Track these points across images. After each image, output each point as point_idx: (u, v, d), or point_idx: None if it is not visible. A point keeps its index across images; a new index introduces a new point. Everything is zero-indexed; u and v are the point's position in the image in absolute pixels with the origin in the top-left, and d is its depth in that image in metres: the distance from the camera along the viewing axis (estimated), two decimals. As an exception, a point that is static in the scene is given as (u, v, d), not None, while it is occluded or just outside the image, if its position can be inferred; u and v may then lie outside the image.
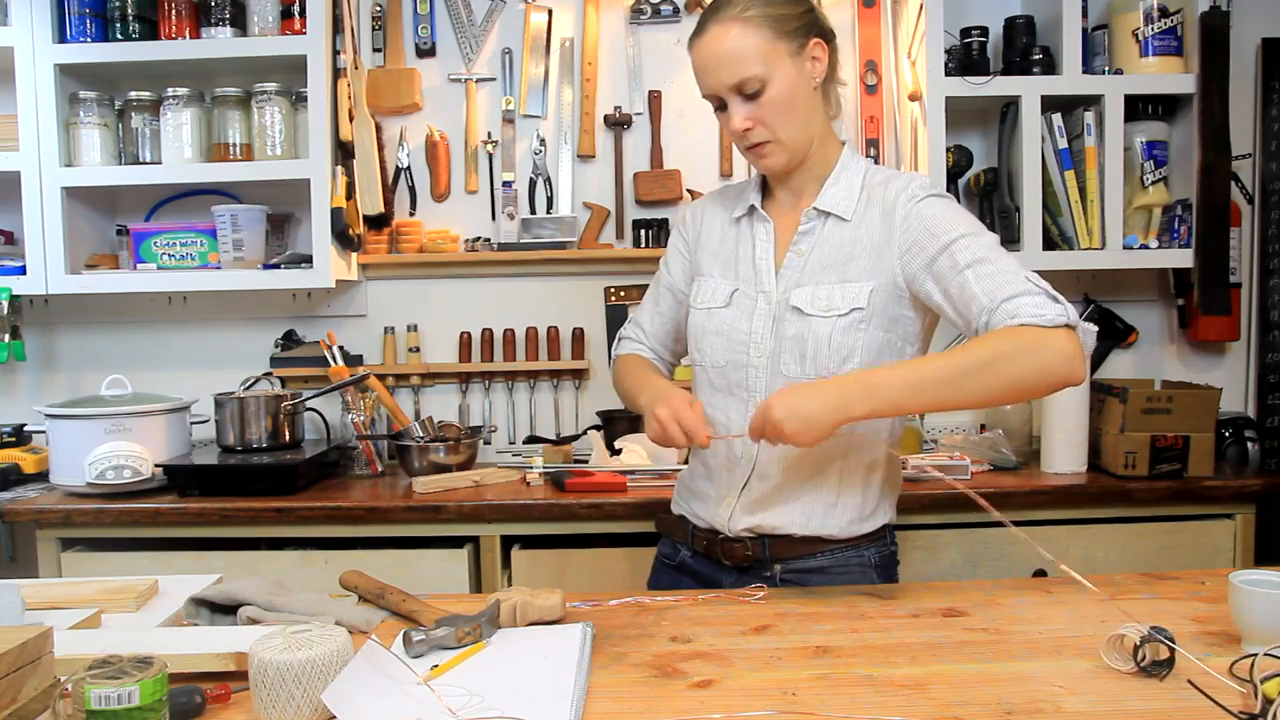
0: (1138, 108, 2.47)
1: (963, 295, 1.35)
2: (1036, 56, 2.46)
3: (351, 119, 2.53)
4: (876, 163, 2.61)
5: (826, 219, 1.49)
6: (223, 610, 1.35)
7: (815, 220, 1.50)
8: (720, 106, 1.46)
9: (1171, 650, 1.10)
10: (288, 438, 2.46)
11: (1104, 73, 2.47)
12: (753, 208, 1.55)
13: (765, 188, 1.59)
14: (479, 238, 2.68)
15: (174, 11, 2.48)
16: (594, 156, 2.71)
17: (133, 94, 2.54)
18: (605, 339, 2.70)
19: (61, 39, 2.47)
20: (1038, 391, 1.31)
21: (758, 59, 1.40)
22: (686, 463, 1.68)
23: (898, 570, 1.60)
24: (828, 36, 1.48)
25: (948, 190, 2.47)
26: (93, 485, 2.25)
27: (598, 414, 2.64)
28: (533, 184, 2.69)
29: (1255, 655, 1.07)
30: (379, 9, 2.67)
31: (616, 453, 2.44)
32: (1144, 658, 1.11)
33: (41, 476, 2.45)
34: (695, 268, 1.62)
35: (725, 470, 1.53)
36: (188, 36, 2.49)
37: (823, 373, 1.44)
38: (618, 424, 2.54)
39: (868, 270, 1.44)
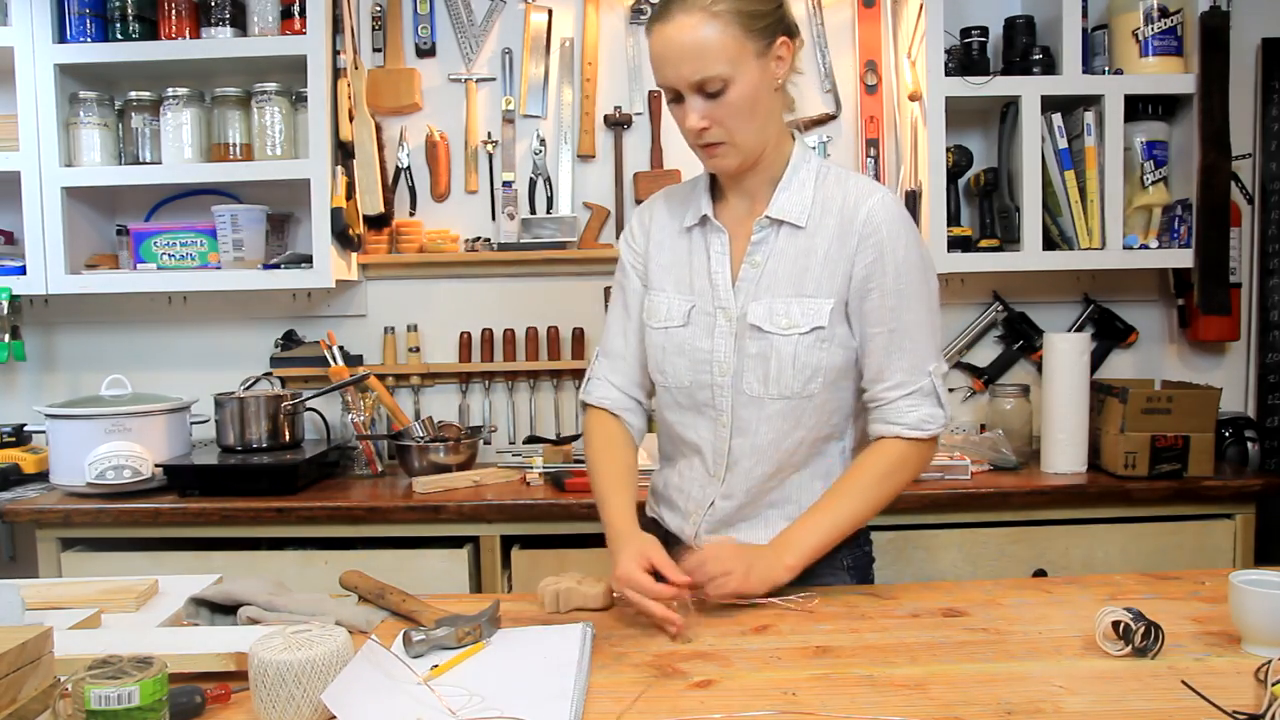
0: (1138, 108, 2.47)
1: (873, 356, 1.43)
2: (1036, 56, 2.45)
3: (351, 119, 2.52)
4: (877, 162, 2.62)
5: (780, 227, 1.43)
6: (223, 610, 1.35)
7: (768, 229, 1.43)
8: (676, 98, 1.38)
9: (1151, 628, 1.14)
10: (288, 438, 2.46)
11: (1104, 73, 2.47)
12: (705, 217, 1.48)
13: (716, 189, 1.50)
14: (479, 238, 2.67)
15: (174, 11, 2.48)
16: (594, 156, 2.71)
17: (133, 94, 2.54)
18: (605, 339, 2.70)
19: (61, 39, 2.47)
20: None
21: (723, 58, 1.32)
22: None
23: (873, 571, 1.59)
24: (794, 34, 1.40)
25: (948, 189, 2.47)
26: (93, 485, 2.25)
27: (598, 414, 2.64)
28: (533, 184, 2.69)
29: (1272, 660, 1.07)
30: (379, 9, 2.67)
31: (616, 453, 2.43)
32: (1133, 639, 1.14)
33: (41, 476, 2.45)
34: (646, 279, 1.53)
35: (697, 485, 1.52)
36: (188, 36, 2.49)
37: (785, 392, 1.41)
38: (618, 424, 2.54)
39: (825, 284, 1.41)
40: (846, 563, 1.52)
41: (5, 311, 2.49)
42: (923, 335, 1.42)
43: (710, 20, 1.31)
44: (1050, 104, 2.45)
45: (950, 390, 2.70)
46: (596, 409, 1.59)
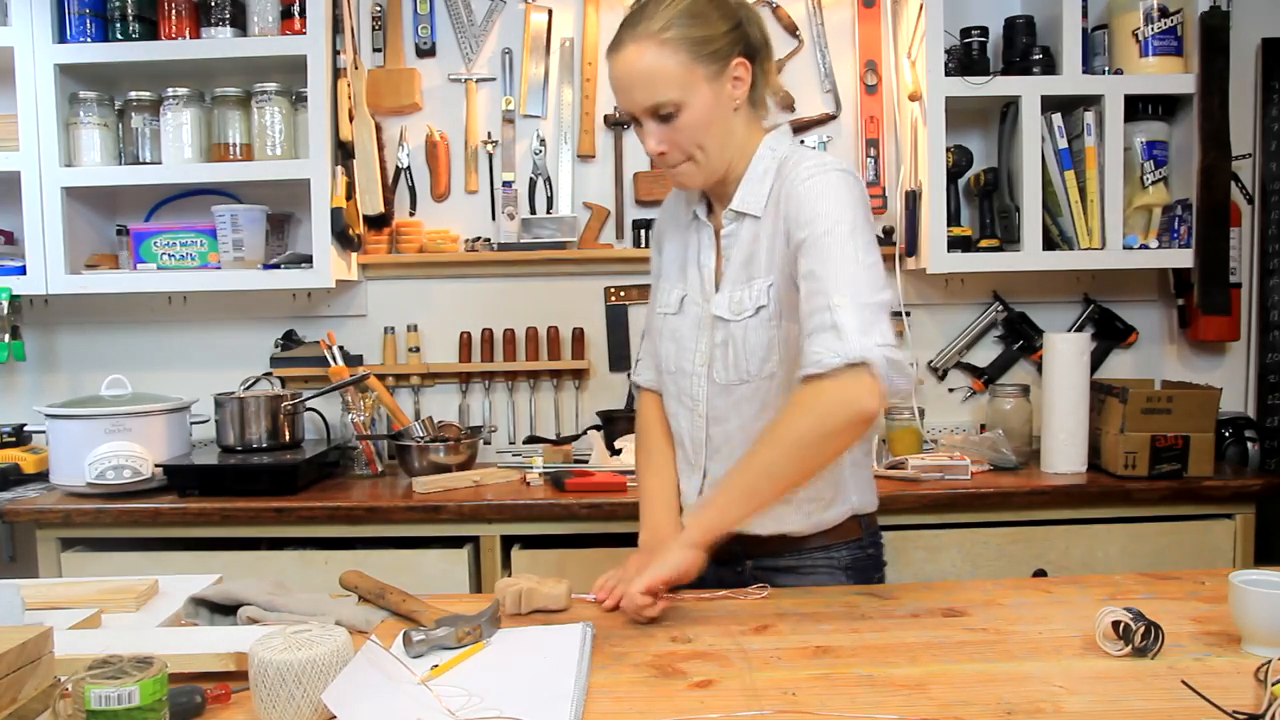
0: (1138, 108, 2.47)
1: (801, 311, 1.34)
2: (1036, 56, 2.45)
3: (351, 119, 2.52)
4: (877, 162, 2.62)
5: (743, 220, 1.47)
6: (223, 610, 1.35)
7: (734, 223, 1.48)
8: (636, 122, 1.43)
9: (1151, 628, 1.14)
10: (288, 438, 2.46)
11: (1104, 73, 2.47)
12: (695, 213, 1.54)
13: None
14: (479, 238, 2.67)
15: (174, 11, 2.48)
16: (594, 156, 2.71)
17: (133, 94, 2.54)
18: (605, 339, 2.70)
19: (61, 39, 2.47)
20: (834, 442, 1.29)
21: (673, 84, 1.35)
22: None
23: (881, 574, 1.58)
24: (753, 53, 1.42)
25: (948, 189, 2.47)
26: (93, 485, 2.25)
27: (598, 414, 2.64)
28: (533, 184, 2.69)
29: (1271, 660, 1.07)
30: (379, 9, 2.67)
31: (616, 453, 2.44)
32: (1133, 639, 1.15)
33: (41, 476, 2.45)
34: (660, 271, 1.62)
35: (684, 474, 1.57)
36: (188, 36, 2.49)
37: (745, 376, 1.44)
38: (618, 424, 2.54)
39: (767, 265, 1.43)
40: (845, 562, 1.53)
41: (5, 311, 2.49)
42: (831, 273, 1.30)
43: (659, 48, 1.35)
44: (1050, 104, 2.45)
45: (950, 390, 2.71)
46: (645, 389, 1.67)
